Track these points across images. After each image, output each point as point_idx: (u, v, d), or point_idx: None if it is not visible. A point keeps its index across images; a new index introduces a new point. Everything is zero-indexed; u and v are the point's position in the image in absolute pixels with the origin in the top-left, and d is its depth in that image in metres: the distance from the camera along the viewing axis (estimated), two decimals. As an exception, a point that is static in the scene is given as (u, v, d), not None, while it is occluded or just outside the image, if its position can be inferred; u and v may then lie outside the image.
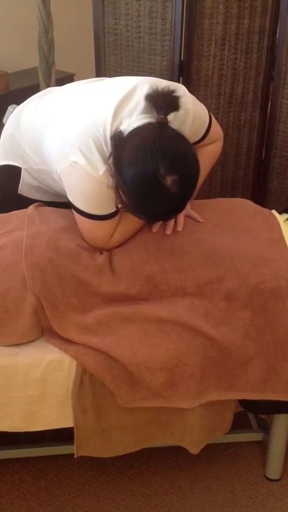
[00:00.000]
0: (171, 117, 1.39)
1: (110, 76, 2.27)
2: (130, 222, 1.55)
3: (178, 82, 2.15)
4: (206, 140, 1.64)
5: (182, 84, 2.12)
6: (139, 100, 1.42)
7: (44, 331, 1.49)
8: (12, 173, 1.72)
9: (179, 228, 1.57)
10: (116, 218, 1.52)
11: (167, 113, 1.37)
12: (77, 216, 1.51)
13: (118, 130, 1.38)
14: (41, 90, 2.92)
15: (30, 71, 3.31)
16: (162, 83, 1.45)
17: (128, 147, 1.33)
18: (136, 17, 2.13)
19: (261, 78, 2.20)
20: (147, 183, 1.30)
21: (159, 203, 1.33)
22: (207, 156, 1.69)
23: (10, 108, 1.82)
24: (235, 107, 2.23)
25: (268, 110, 2.28)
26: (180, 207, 1.39)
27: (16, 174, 1.72)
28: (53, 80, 2.93)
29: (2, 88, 3.05)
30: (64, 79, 3.32)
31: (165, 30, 2.09)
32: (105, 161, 1.41)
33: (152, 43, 2.14)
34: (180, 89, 1.47)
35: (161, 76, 2.15)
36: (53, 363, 1.45)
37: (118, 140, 1.36)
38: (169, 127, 1.37)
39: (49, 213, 1.65)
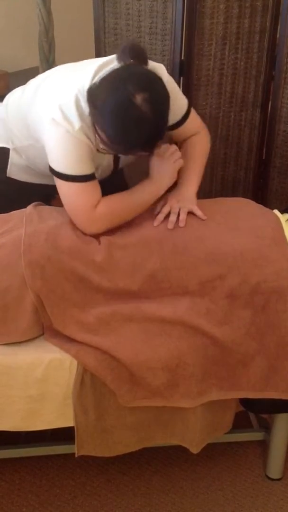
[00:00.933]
0: None
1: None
2: (119, 201, 1.57)
3: (179, 81, 2.15)
4: (186, 128, 1.68)
5: (183, 84, 2.13)
6: (117, 64, 1.47)
7: (45, 330, 1.49)
8: (1, 155, 1.77)
9: (181, 224, 1.56)
10: (95, 184, 1.54)
11: (135, 59, 1.42)
12: (58, 183, 1.54)
13: (94, 82, 1.45)
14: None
15: (30, 71, 3.30)
16: None
17: (101, 85, 1.40)
18: (137, 17, 2.13)
19: (262, 78, 2.20)
20: (119, 105, 1.35)
21: (132, 123, 1.36)
22: (197, 148, 1.72)
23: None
24: (236, 106, 2.23)
25: (269, 109, 2.27)
26: (154, 130, 1.40)
27: (5, 157, 1.77)
28: (53, 79, 2.93)
29: (2, 87, 3.04)
30: (64, 78, 3.32)
31: (166, 29, 2.09)
32: (82, 117, 1.46)
33: (152, 42, 2.14)
34: (157, 64, 1.54)
35: (161, 75, 2.14)
36: (54, 362, 1.45)
37: (92, 87, 1.42)
38: (138, 65, 1.43)
39: (47, 212, 1.66)
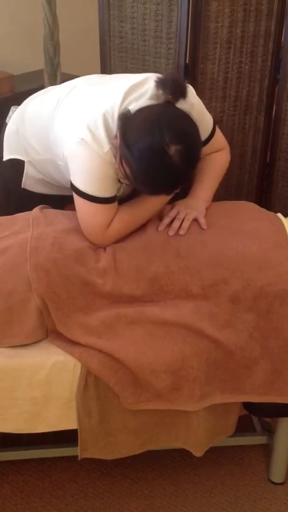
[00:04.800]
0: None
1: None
2: (130, 215, 1.57)
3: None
4: (210, 146, 1.68)
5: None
6: (148, 88, 1.50)
7: (49, 332, 1.49)
8: (16, 167, 1.76)
9: (181, 232, 1.57)
10: (115, 206, 1.54)
11: (174, 95, 1.43)
12: (76, 200, 1.53)
13: (126, 109, 1.45)
14: (46, 92, 2.93)
15: (35, 74, 3.31)
16: None
17: (136, 119, 1.40)
18: (142, 20, 2.13)
19: (266, 81, 2.20)
20: (152, 151, 1.35)
21: (162, 172, 1.38)
22: (217, 164, 1.74)
23: (13, 107, 1.85)
24: (240, 110, 2.23)
25: (273, 113, 2.27)
26: (181, 179, 1.43)
27: (20, 169, 1.75)
28: (58, 82, 2.93)
29: (7, 90, 3.05)
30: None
31: (171, 33, 2.09)
32: (110, 139, 1.45)
33: (157, 46, 2.15)
34: (188, 86, 1.52)
35: (166, 79, 2.15)
36: (58, 365, 1.45)
37: (126, 116, 1.42)
38: (176, 106, 1.43)
39: (54, 215, 1.66)
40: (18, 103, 1.87)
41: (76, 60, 3.26)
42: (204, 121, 1.61)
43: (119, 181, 1.51)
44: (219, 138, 1.74)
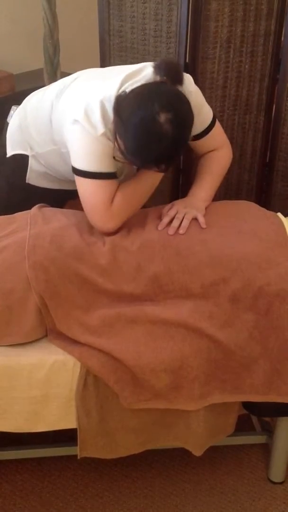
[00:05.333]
0: None
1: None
2: (131, 188, 1.58)
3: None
4: (209, 140, 1.69)
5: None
6: (146, 74, 1.52)
7: (48, 331, 1.49)
8: (20, 162, 1.78)
9: (181, 231, 1.57)
10: (115, 182, 1.56)
11: (168, 77, 1.46)
12: (77, 180, 1.55)
13: (122, 91, 1.48)
14: (46, 91, 2.93)
15: (35, 73, 3.31)
16: None
17: (130, 95, 1.43)
18: (142, 20, 2.13)
19: (266, 81, 2.20)
20: (143, 120, 1.39)
21: (151, 141, 1.40)
22: (217, 163, 1.74)
23: (14, 107, 1.86)
24: (240, 110, 2.23)
25: (273, 113, 2.27)
26: (171, 149, 1.43)
27: (24, 163, 1.78)
28: (58, 81, 2.94)
29: (7, 89, 3.05)
30: (68, 81, 3.32)
31: (171, 32, 2.09)
32: (107, 125, 1.48)
33: (157, 45, 2.15)
34: (186, 75, 1.56)
35: (166, 78, 2.15)
36: (57, 364, 1.45)
37: (120, 96, 1.46)
38: (169, 85, 1.46)
39: (52, 213, 1.66)
40: (18, 102, 1.87)
41: (75, 59, 3.25)
42: (202, 111, 1.64)
43: (114, 158, 1.53)
44: (219, 133, 1.74)
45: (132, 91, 1.46)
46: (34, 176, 1.80)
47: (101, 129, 1.48)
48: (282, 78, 2.18)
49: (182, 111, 1.43)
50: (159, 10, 2.08)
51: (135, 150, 1.43)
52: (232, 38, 2.09)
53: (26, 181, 1.80)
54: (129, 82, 1.51)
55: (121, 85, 1.51)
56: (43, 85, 2.91)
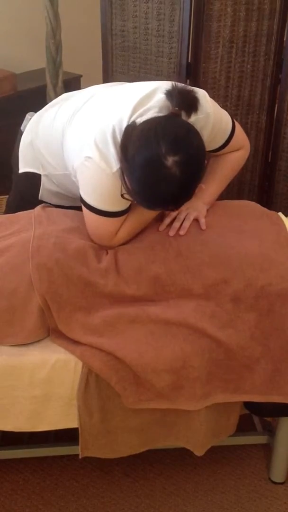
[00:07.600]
0: (192, 120, 1.41)
1: (117, 77, 2.28)
2: (136, 220, 1.56)
3: (185, 84, 2.15)
4: (228, 149, 1.64)
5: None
6: (158, 100, 1.44)
7: (50, 331, 1.49)
8: (32, 180, 1.74)
9: (182, 232, 1.56)
10: (123, 218, 1.53)
11: (180, 107, 1.38)
12: (85, 211, 1.52)
13: (132, 122, 1.40)
14: (48, 91, 2.94)
15: (37, 72, 3.32)
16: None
17: (137, 131, 1.35)
18: (144, 19, 2.13)
19: (268, 81, 2.21)
20: (148, 162, 1.31)
21: (159, 184, 1.32)
22: (228, 164, 1.69)
23: (28, 116, 1.80)
24: (242, 109, 2.23)
25: (275, 113, 2.28)
26: (181, 191, 1.36)
27: (36, 182, 1.74)
28: (60, 81, 2.94)
29: (9, 89, 3.05)
30: (71, 80, 3.32)
31: (173, 32, 2.10)
32: (119, 156, 1.41)
33: (159, 45, 2.15)
34: (200, 92, 1.47)
35: (168, 78, 2.15)
36: (59, 363, 1.45)
37: (128, 130, 1.38)
38: (179, 118, 1.38)
39: (56, 214, 1.66)
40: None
41: (78, 58, 3.26)
42: (221, 125, 1.55)
43: (122, 196, 1.45)
44: (239, 136, 1.65)
45: (140, 124, 1.37)
46: (46, 194, 1.76)
47: (115, 165, 1.41)
48: (284, 78, 2.18)
49: (191, 152, 1.33)
50: (161, 9, 2.08)
51: (140, 192, 1.36)
52: (235, 38, 2.09)
53: (39, 198, 1.77)
54: (140, 111, 1.42)
55: (133, 113, 1.43)
56: (45, 85, 2.93)
